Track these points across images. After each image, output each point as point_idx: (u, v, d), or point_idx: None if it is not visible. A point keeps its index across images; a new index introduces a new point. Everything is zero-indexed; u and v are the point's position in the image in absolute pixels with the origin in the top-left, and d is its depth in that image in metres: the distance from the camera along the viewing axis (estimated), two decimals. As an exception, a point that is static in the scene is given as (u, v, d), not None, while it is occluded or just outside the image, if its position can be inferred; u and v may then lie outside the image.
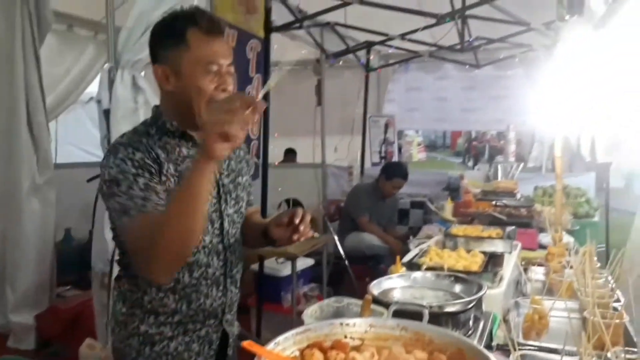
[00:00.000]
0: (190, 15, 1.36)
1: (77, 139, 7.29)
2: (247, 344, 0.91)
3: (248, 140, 3.63)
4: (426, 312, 1.17)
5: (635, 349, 1.12)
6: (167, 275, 1.30)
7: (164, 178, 1.33)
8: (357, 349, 0.99)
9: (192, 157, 1.37)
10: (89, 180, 2.95)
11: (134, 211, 1.25)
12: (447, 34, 4.79)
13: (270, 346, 0.94)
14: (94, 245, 2.89)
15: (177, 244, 1.20)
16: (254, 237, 1.58)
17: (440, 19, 4.03)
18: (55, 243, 3.51)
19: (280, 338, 0.97)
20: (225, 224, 1.47)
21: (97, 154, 6.17)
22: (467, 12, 4.18)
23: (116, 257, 1.71)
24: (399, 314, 1.20)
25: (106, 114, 2.71)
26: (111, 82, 2.70)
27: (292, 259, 3.76)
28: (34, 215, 3.30)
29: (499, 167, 5.31)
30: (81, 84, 4.68)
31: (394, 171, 4.99)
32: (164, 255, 1.20)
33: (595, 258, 1.93)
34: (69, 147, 7.18)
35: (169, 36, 1.36)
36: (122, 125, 2.71)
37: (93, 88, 4.43)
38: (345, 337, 1.03)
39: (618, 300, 1.67)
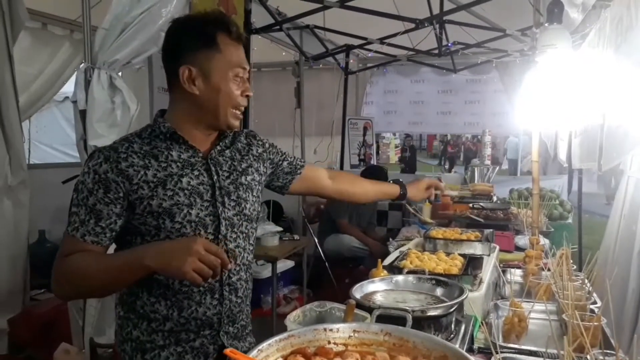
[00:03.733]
0: (220, 20, 1.40)
1: (52, 139, 7.14)
2: (229, 351, 0.90)
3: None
4: (409, 317, 1.17)
5: (613, 351, 1.14)
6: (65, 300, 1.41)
7: (134, 187, 1.32)
8: (340, 355, 0.99)
9: (184, 161, 1.39)
10: (64, 182, 2.89)
11: (70, 227, 1.32)
12: (425, 39, 4.84)
13: (254, 353, 0.93)
14: (69, 248, 2.82)
15: (82, 294, 1.40)
16: (372, 194, 1.96)
17: (419, 24, 4.06)
18: (29, 245, 3.43)
19: (264, 345, 0.96)
20: (222, 228, 1.42)
21: (72, 155, 6.07)
22: (445, 18, 4.24)
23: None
24: (382, 318, 1.20)
25: (82, 114, 2.65)
26: (87, 82, 2.65)
27: (273, 261, 3.74)
28: (7, 217, 3.22)
29: (476, 170, 5.38)
30: (56, 83, 4.58)
31: (377, 175, 5.01)
32: (69, 293, 1.41)
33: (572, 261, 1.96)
34: (43, 147, 7.04)
35: (199, 38, 1.37)
36: (98, 126, 2.66)
37: (68, 87, 4.36)
38: (329, 342, 1.03)
39: (595, 303, 1.71)
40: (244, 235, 1.49)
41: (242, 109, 1.44)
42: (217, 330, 1.45)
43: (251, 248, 1.54)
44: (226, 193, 1.44)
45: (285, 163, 1.69)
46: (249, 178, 1.51)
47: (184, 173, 1.38)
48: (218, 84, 1.38)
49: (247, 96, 1.43)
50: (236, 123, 1.44)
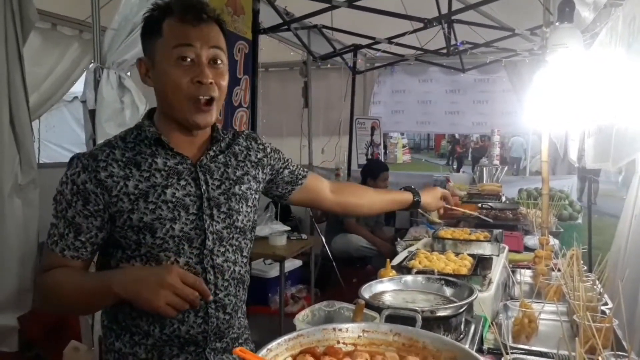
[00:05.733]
0: (167, 5, 1.26)
1: (61, 139, 7.19)
2: (238, 350, 0.89)
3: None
4: (419, 317, 1.17)
5: (625, 353, 1.13)
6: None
7: (114, 199, 1.23)
8: (350, 354, 0.99)
9: (169, 169, 1.28)
10: (73, 182, 2.90)
11: (49, 241, 1.27)
12: (433, 38, 4.83)
13: (263, 352, 0.93)
14: (78, 247, 2.84)
15: (61, 310, 1.33)
16: (379, 204, 1.80)
17: (427, 24, 4.05)
18: (38, 244, 3.44)
19: (273, 344, 0.95)
20: (209, 242, 1.30)
21: (81, 154, 6.11)
22: (453, 17, 4.22)
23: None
24: (391, 318, 1.20)
25: (92, 114, 2.67)
26: (97, 82, 2.66)
27: (281, 260, 3.75)
28: (17, 216, 3.23)
29: (484, 169, 5.36)
30: (65, 83, 4.60)
31: (378, 168, 5.03)
32: (48, 308, 1.41)
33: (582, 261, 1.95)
34: (52, 147, 7.09)
35: (146, 27, 1.28)
36: (107, 126, 2.67)
37: (77, 87, 4.38)
38: (338, 342, 1.02)
39: (605, 304, 1.70)
40: (234, 248, 1.36)
41: (205, 99, 1.25)
42: (202, 347, 1.34)
43: (244, 261, 1.41)
44: (215, 205, 1.32)
45: (286, 171, 1.55)
46: (243, 187, 1.39)
47: (169, 183, 1.27)
48: (162, 70, 1.23)
49: (200, 83, 1.22)
50: (202, 118, 1.26)
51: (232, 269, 1.36)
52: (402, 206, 1.81)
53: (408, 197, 1.80)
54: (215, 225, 1.31)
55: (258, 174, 1.46)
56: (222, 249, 1.33)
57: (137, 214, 1.24)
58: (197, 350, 1.34)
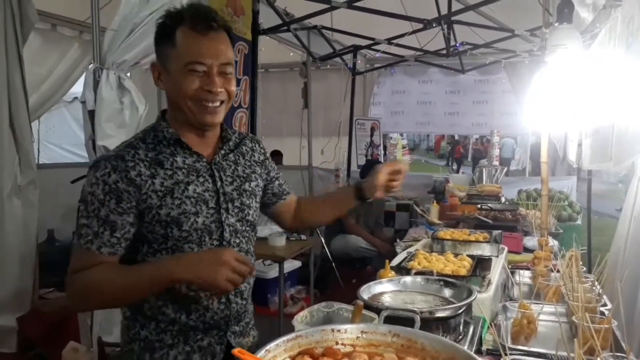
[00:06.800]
0: (179, 13, 1.34)
1: (61, 140, 7.20)
2: (237, 351, 0.89)
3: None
4: (418, 318, 1.17)
5: (624, 354, 1.13)
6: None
7: (143, 196, 1.31)
8: (348, 355, 0.99)
9: (189, 167, 1.37)
10: (73, 182, 2.90)
11: (82, 240, 1.29)
12: (433, 39, 4.83)
13: (261, 353, 0.93)
14: (78, 247, 2.84)
15: (101, 307, 1.41)
16: (328, 210, 1.72)
17: (427, 24, 4.05)
18: (38, 245, 3.44)
19: (271, 345, 0.95)
20: (226, 234, 1.41)
21: (81, 155, 6.11)
22: (453, 18, 4.22)
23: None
24: (390, 319, 1.20)
25: (91, 114, 2.67)
26: (96, 83, 2.66)
27: (280, 261, 3.74)
28: (16, 216, 3.23)
29: (484, 170, 5.36)
30: (65, 84, 4.60)
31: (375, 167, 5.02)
32: (86, 308, 1.43)
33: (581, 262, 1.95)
34: (52, 148, 7.09)
35: (160, 34, 1.36)
36: (107, 126, 2.67)
37: (77, 88, 4.38)
38: (337, 343, 1.02)
39: (605, 305, 1.70)
40: (246, 239, 1.49)
41: (212, 102, 1.34)
42: (224, 330, 1.45)
43: (252, 251, 1.54)
44: (230, 199, 1.43)
45: (277, 182, 1.65)
46: (252, 184, 1.51)
47: (190, 180, 1.37)
48: (174, 79, 1.33)
49: (210, 92, 1.32)
50: (210, 118, 1.36)
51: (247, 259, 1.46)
52: (349, 203, 1.67)
53: (348, 193, 1.66)
54: (230, 219, 1.43)
55: (262, 173, 1.57)
56: (237, 240, 1.45)
57: (165, 209, 1.32)
58: (219, 334, 1.45)
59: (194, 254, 1.34)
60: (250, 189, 1.49)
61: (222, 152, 1.45)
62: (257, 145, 1.59)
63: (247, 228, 1.48)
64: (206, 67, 1.31)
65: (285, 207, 1.69)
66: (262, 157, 1.58)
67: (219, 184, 1.41)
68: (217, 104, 1.35)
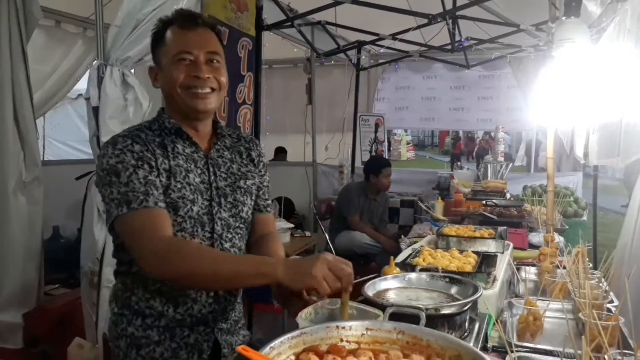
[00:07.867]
0: (168, 18, 1.43)
1: (66, 136, 7.21)
2: (241, 348, 0.89)
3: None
4: (423, 315, 1.16)
5: (632, 351, 1.12)
6: (155, 275, 1.33)
7: (160, 171, 1.35)
8: (353, 353, 0.98)
9: (187, 156, 1.42)
10: (77, 178, 2.91)
11: (135, 204, 1.27)
12: (438, 34, 4.81)
13: (266, 351, 0.92)
14: (83, 243, 2.84)
15: (185, 271, 1.24)
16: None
17: (432, 20, 4.03)
18: (43, 241, 3.45)
19: (276, 342, 0.95)
20: (217, 227, 1.42)
21: (86, 151, 6.13)
22: (458, 13, 4.20)
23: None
24: (395, 316, 1.19)
25: (95, 111, 2.67)
26: (100, 79, 2.66)
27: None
28: (21, 213, 3.24)
29: (489, 166, 5.34)
30: (69, 81, 4.62)
31: (379, 164, 5.00)
32: (167, 272, 1.26)
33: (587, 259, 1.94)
34: (57, 144, 7.11)
35: (154, 39, 1.45)
36: (111, 123, 2.67)
37: (82, 84, 4.39)
38: (342, 340, 1.01)
39: (611, 302, 1.68)
40: (240, 236, 1.50)
41: (201, 88, 1.38)
42: (211, 327, 1.45)
43: (244, 248, 1.54)
44: (222, 194, 1.45)
45: (261, 192, 1.60)
46: (249, 182, 1.53)
47: (189, 168, 1.41)
48: (166, 72, 1.40)
49: (197, 77, 1.37)
50: (201, 104, 1.39)
51: (238, 254, 1.48)
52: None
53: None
54: (222, 213, 1.44)
55: (258, 172, 1.59)
56: (230, 235, 1.46)
57: (168, 190, 1.35)
58: (206, 330, 1.44)
59: (295, 260, 1.27)
60: (245, 186, 1.51)
61: (217, 146, 1.49)
62: (254, 146, 1.62)
63: (241, 225, 1.50)
64: (193, 56, 1.37)
65: (259, 223, 1.59)
66: (259, 158, 1.61)
67: (212, 178, 1.44)
68: (207, 90, 1.39)
